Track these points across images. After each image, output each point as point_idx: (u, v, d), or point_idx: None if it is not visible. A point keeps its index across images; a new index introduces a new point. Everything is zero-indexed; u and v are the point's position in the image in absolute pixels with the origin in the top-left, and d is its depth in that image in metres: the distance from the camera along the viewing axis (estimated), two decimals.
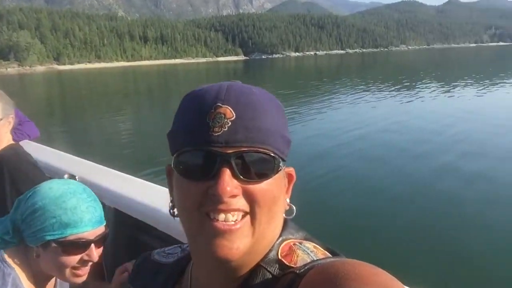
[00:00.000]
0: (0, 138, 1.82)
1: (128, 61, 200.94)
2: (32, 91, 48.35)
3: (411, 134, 13.59)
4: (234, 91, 0.63)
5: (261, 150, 0.61)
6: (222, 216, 0.60)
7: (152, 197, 1.89)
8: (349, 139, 12.93)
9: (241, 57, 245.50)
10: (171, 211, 0.70)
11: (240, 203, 0.60)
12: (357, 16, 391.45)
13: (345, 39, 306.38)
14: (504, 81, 31.64)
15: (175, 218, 0.67)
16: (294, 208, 0.70)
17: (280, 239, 0.68)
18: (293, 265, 0.63)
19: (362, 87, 31.36)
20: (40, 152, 2.60)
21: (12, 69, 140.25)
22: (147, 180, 2.20)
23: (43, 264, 1.21)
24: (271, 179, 0.62)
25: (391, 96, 24.51)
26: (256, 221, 0.62)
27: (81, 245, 1.19)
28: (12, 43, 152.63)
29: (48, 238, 1.15)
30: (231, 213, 0.60)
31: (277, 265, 0.64)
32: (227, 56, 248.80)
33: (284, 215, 0.69)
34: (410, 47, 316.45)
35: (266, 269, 0.64)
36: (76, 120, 21.61)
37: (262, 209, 0.61)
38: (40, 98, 38.09)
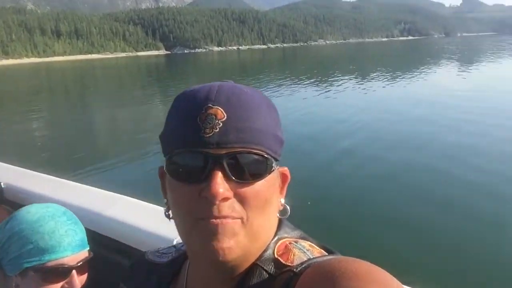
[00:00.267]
0: None
1: (40, 57, 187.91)
2: None
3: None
4: (225, 91, 0.62)
5: (253, 150, 0.60)
6: (212, 220, 0.59)
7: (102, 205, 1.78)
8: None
9: (163, 52, 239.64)
10: (166, 213, 0.69)
11: (233, 205, 0.60)
12: (277, 11, 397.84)
13: (266, 34, 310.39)
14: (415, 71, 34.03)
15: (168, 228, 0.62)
16: (288, 208, 0.70)
17: (276, 238, 0.68)
18: (289, 264, 0.62)
19: (287, 81, 32.08)
20: None
21: None
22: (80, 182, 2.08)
23: None
24: (264, 180, 0.62)
25: (314, 89, 25.34)
26: (248, 223, 0.61)
27: (61, 272, 1.11)
28: None
29: (26, 265, 1.09)
30: (224, 217, 0.59)
31: (274, 264, 0.64)
32: (148, 50, 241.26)
33: (278, 215, 0.69)
34: (328, 42, 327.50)
35: (263, 268, 0.64)
36: None
37: (254, 212, 0.61)
38: None
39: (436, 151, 10.61)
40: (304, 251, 0.65)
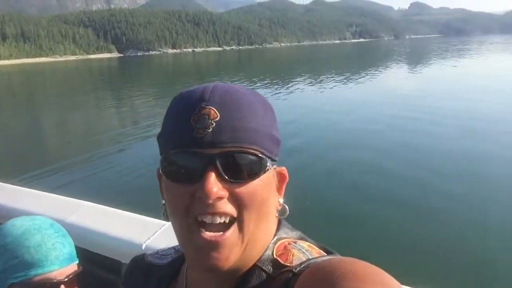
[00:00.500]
0: None
1: None
2: None
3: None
4: (219, 91, 0.62)
5: (247, 150, 0.60)
6: (209, 218, 0.59)
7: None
8: None
9: (116, 54, 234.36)
10: (163, 215, 0.70)
11: (227, 205, 0.60)
12: (231, 14, 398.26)
13: (221, 36, 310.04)
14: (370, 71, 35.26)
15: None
16: (287, 208, 0.70)
17: (275, 238, 0.68)
18: (288, 264, 0.62)
19: (243, 83, 32.38)
20: None
21: None
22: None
23: None
24: (258, 180, 0.61)
25: (265, 91, 25.70)
26: (244, 226, 0.61)
27: (48, 287, 1.07)
28: None
29: (11, 281, 1.04)
30: (219, 216, 0.59)
31: (273, 265, 0.64)
32: (99, 53, 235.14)
33: (277, 215, 0.69)
34: (282, 44, 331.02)
35: (262, 269, 0.64)
36: None
37: (250, 212, 0.61)
38: None
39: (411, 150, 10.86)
40: (303, 251, 0.65)
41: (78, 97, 30.04)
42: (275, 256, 0.65)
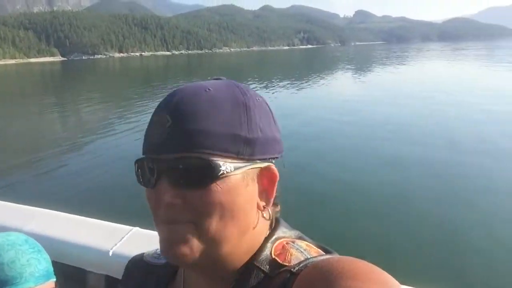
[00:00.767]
0: None
1: None
2: None
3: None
4: (180, 95, 0.62)
5: (196, 155, 0.58)
6: (165, 226, 0.60)
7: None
8: None
9: (58, 58, 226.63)
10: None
11: (182, 213, 0.59)
12: (180, 18, 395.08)
13: (170, 40, 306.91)
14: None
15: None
16: (278, 207, 0.70)
17: (273, 238, 0.68)
18: (287, 264, 0.62)
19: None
20: None
21: None
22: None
23: None
24: (216, 184, 0.58)
25: None
26: (203, 228, 0.59)
27: None
28: None
29: None
30: (173, 224, 0.59)
31: (271, 264, 0.63)
32: (41, 57, 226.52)
33: (264, 215, 0.67)
34: (232, 49, 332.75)
35: (260, 268, 0.63)
36: None
37: (209, 217, 0.59)
38: None
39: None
40: (302, 251, 0.65)
41: (17, 102, 28.63)
42: (273, 256, 0.64)
